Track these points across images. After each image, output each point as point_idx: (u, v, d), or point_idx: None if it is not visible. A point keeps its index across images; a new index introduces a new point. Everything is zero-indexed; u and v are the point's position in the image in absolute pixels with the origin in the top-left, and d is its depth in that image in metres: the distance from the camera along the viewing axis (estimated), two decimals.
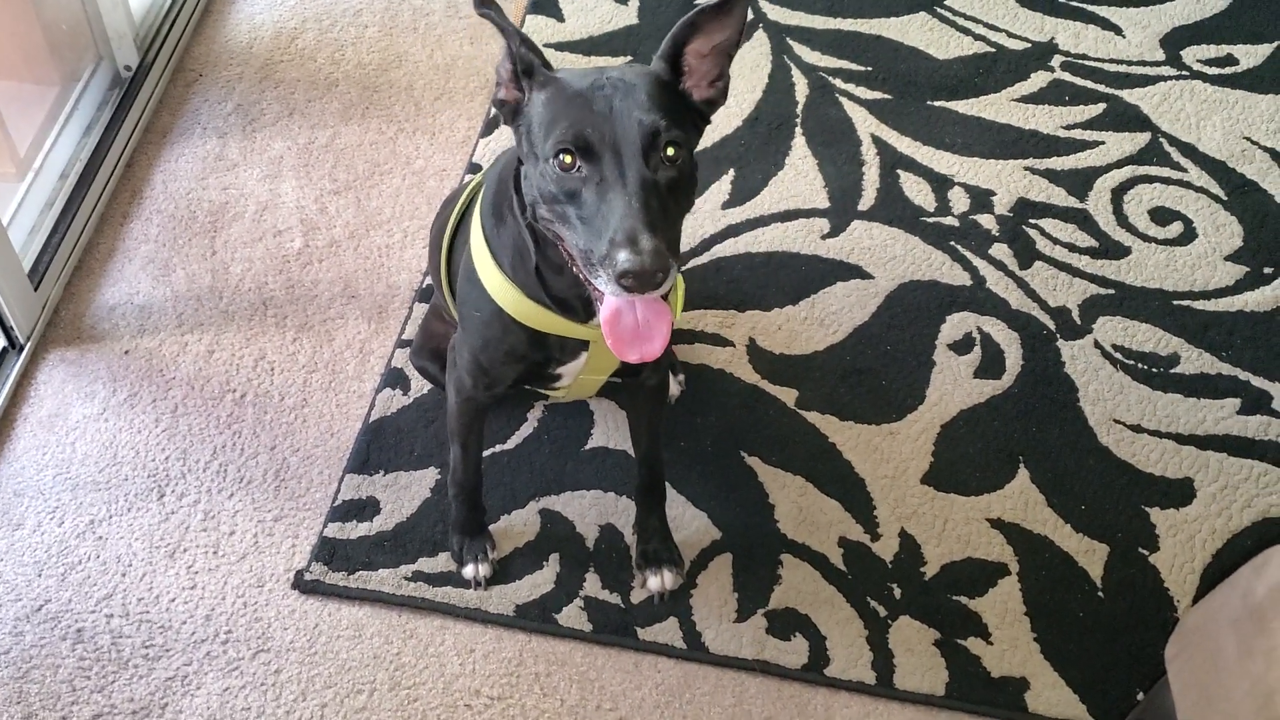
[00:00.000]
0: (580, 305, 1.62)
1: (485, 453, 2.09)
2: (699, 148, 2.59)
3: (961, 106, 2.78)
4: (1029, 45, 2.93)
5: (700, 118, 1.52)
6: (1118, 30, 2.97)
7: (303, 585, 1.99)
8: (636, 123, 1.40)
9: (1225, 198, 2.61)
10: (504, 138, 2.64)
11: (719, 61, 1.50)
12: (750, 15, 2.94)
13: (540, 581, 2.01)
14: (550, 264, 1.58)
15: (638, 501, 2.03)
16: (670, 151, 1.41)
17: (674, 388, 2.22)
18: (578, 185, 1.40)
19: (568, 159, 1.40)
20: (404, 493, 2.10)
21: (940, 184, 2.61)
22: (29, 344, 2.25)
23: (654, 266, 1.33)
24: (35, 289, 2.27)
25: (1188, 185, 2.64)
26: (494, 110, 1.55)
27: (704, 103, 1.51)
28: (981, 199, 2.59)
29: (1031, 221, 2.55)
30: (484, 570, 1.99)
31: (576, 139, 1.39)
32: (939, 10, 2.99)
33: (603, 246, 1.36)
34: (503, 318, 1.66)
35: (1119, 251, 2.51)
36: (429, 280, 2.38)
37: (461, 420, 1.90)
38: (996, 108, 2.79)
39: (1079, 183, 2.63)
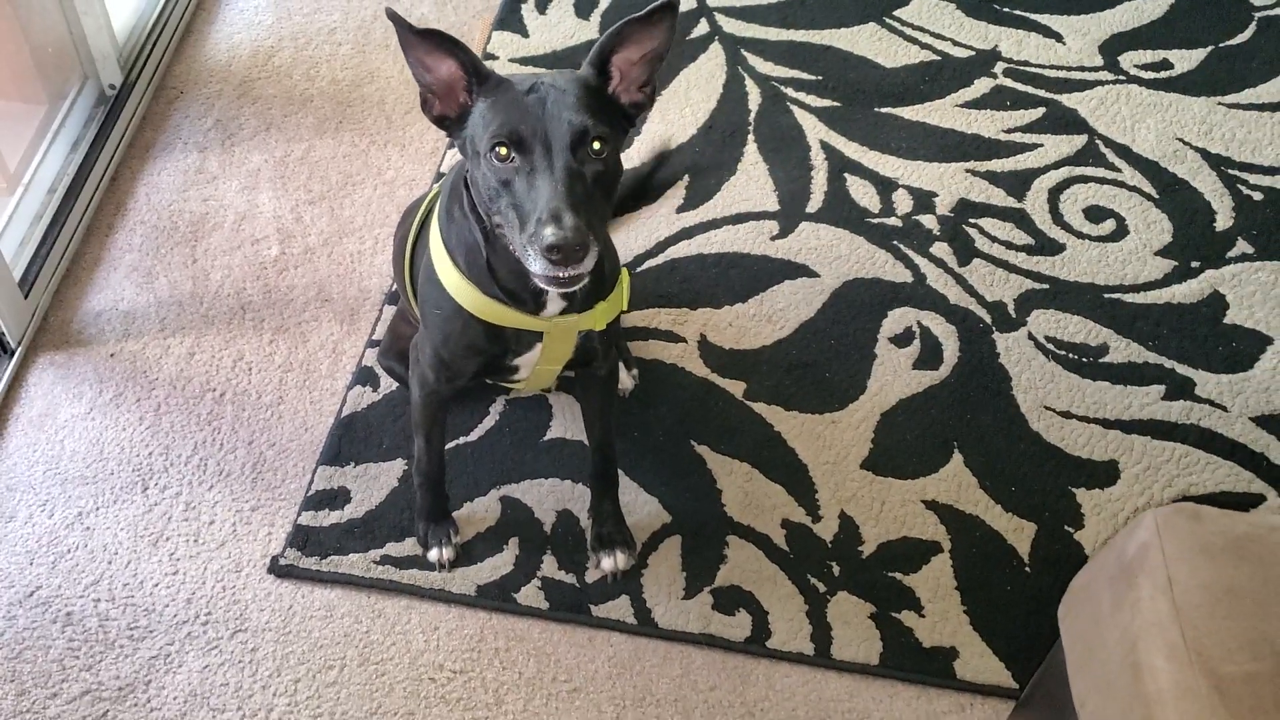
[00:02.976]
0: (530, 297, 1.76)
1: (449, 444, 2.22)
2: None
3: (907, 112, 2.92)
4: (973, 53, 3.06)
5: (626, 120, 1.66)
6: (1059, 37, 3.11)
7: (278, 570, 2.12)
8: (566, 122, 1.54)
9: (1157, 196, 2.75)
10: None
11: (648, 69, 1.64)
12: (706, 29, 3.08)
13: (500, 564, 2.14)
14: (500, 258, 1.71)
15: (592, 487, 2.16)
16: (597, 146, 1.56)
17: (628, 381, 2.35)
18: (511, 175, 1.55)
19: (503, 150, 1.54)
20: (373, 483, 2.23)
21: (885, 186, 2.75)
22: (19, 348, 2.39)
23: (575, 240, 1.47)
24: (25, 297, 2.40)
25: (1121, 185, 2.77)
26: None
27: (631, 105, 1.65)
28: (924, 200, 2.72)
29: (971, 221, 2.69)
30: (447, 554, 2.12)
31: (510, 133, 1.54)
32: (888, 21, 3.13)
33: (530, 226, 1.51)
34: (462, 314, 1.80)
35: (1054, 248, 2.65)
36: (397, 284, 2.51)
37: (425, 413, 2.03)
38: (941, 113, 2.92)
39: (1018, 183, 2.77)
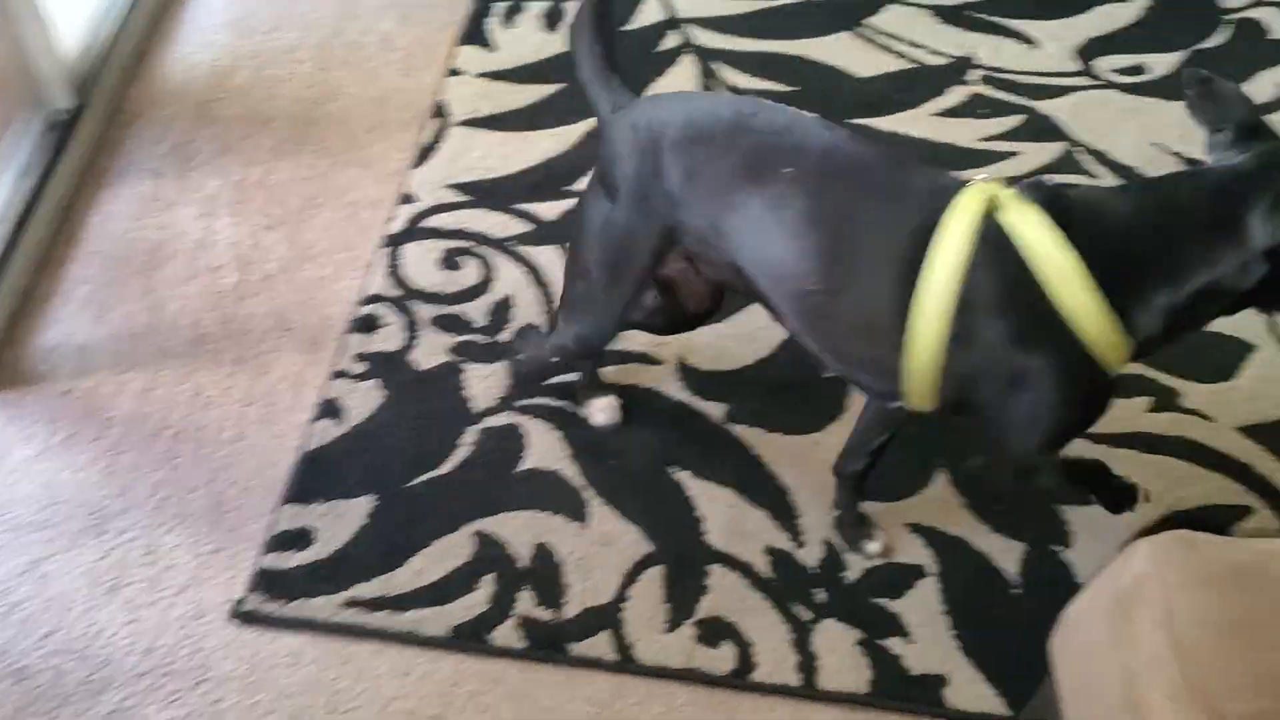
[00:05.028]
0: None
1: (417, 479, 2.14)
2: None
3: (882, 122, 2.86)
4: (949, 61, 3.01)
5: None
6: (1034, 43, 3.06)
7: (241, 615, 2.04)
8: None
9: None
10: (435, 165, 2.70)
11: None
12: (678, 40, 3.02)
13: (473, 603, 2.06)
14: None
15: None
16: None
17: (601, 416, 2.28)
18: None
19: None
20: (339, 521, 2.15)
21: None
22: None
23: None
24: None
25: None
26: None
27: None
28: None
29: None
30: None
31: None
32: (860, 29, 3.08)
33: None
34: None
35: None
36: (364, 310, 2.43)
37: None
38: (916, 122, 2.86)
39: None
